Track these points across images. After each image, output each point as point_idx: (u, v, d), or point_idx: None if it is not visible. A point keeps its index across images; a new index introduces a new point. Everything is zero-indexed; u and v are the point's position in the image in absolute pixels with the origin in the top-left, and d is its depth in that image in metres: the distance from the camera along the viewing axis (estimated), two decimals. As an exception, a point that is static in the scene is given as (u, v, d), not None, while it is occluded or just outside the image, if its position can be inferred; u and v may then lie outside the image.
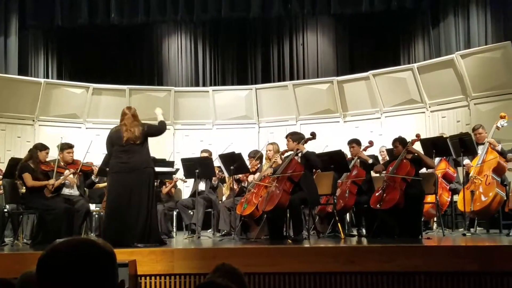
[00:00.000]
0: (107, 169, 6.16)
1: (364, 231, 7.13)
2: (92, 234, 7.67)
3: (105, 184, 7.60)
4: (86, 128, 10.45)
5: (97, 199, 8.31)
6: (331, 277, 4.73)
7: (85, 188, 7.74)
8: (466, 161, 7.21)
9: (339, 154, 7.29)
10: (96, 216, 8.19)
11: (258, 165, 7.83)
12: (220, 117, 10.92)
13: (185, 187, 9.30)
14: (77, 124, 10.41)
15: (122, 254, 4.78)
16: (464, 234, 6.83)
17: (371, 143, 7.88)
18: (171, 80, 11.69)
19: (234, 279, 2.31)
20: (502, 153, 6.78)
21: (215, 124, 10.93)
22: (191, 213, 7.88)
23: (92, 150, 7.91)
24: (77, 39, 11.14)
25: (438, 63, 9.42)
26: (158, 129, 6.17)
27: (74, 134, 9.94)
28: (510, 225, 6.47)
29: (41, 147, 6.87)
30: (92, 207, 8.06)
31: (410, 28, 10.90)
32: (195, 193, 7.64)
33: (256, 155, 7.95)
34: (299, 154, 6.69)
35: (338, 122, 10.43)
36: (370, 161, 7.41)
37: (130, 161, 5.85)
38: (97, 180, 7.69)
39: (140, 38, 11.82)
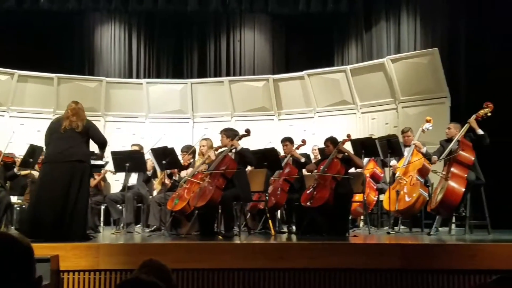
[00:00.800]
0: (31, 160, 5.92)
1: (294, 228, 7.22)
2: (12, 228, 7.34)
3: (28, 171, 7.29)
4: (10, 117, 10.01)
5: (18, 190, 7.94)
6: (260, 273, 4.75)
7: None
8: (393, 162, 7.44)
9: (272, 151, 7.34)
10: (18, 208, 7.83)
11: (191, 160, 7.77)
12: (153, 110, 10.75)
13: (115, 181, 9.09)
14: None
15: (44, 249, 4.60)
16: (388, 233, 7.05)
17: (304, 142, 8.00)
18: (103, 71, 11.38)
19: (161, 275, 2.27)
20: (426, 155, 7.03)
21: (148, 117, 10.75)
22: (120, 207, 7.71)
23: (15, 140, 7.57)
24: (3, 23, 10.61)
25: (369, 66, 9.68)
26: (102, 140, 5.96)
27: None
28: (431, 225, 6.72)
29: None
30: (14, 199, 7.70)
31: (344, 31, 11.16)
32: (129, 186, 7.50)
33: (189, 149, 7.89)
34: (233, 151, 6.68)
35: (273, 120, 10.51)
36: (303, 159, 7.52)
37: (68, 150, 5.62)
38: (19, 173, 7.35)
39: (70, 25, 11.44)
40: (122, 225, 7.51)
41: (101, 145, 6.05)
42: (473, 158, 6.42)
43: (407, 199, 6.93)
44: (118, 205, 7.70)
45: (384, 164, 7.86)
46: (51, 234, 5.33)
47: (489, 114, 6.59)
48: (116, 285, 2.06)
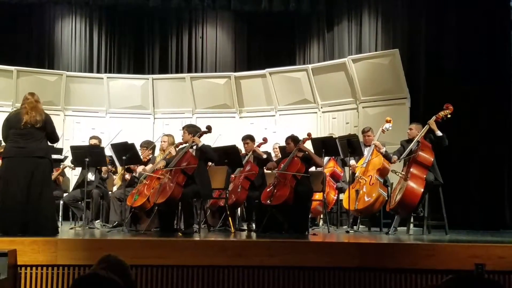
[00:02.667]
0: None
1: (254, 225, 7.23)
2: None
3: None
4: (-34, 110, 9.71)
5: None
6: (219, 270, 4.75)
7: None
8: (352, 161, 7.52)
9: (233, 149, 7.33)
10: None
11: (150, 156, 7.71)
12: (114, 105, 10.61)
13: (74, 176, 8.93)
14: (-45, 105, 9.65)
15: (1, 243, 4.55)
16: (347, 231, 7.12)
17: (265, 140, 8.03)
18: (63, 64, 11.16)
19: (119, 271, 2.25)
20: (386, 156, 7.12)
21: (109, 112, 10.60)
22: (81, 203, 7.57)
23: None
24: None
25: (331, 66, 9.75)
26: (55, 137, 5.89)
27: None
28: (390, 224, 6.80)
29: None
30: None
31: (306, 30, 11.22)
32: (83, 183, 7.36)
33: (149, 145, 7.82)
34: (194, 147, 6.65)
35: (234, 117, 10.51)
36: (265, 156, 7.51)
37: (28, 146, 5.56)
38: None
39: (29, 17, 11.14)
40: (82, 221, 7.39)
41: (52, 141, 6.03)
42: (432, 159, 6.49)
43: (366, 198, 7.02)
44: (80, 202, 7.56)
45: (344, 164, 7.95)
46: (20, 229, 5.29)
47: (449, 116, 6.69)
48: (74, 281, 2.02)
